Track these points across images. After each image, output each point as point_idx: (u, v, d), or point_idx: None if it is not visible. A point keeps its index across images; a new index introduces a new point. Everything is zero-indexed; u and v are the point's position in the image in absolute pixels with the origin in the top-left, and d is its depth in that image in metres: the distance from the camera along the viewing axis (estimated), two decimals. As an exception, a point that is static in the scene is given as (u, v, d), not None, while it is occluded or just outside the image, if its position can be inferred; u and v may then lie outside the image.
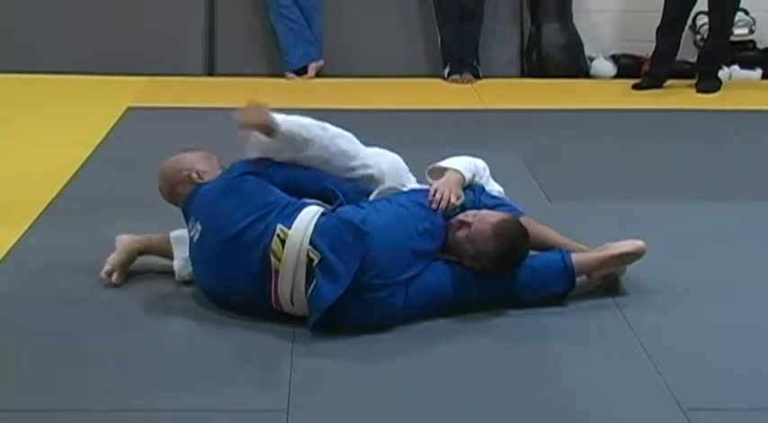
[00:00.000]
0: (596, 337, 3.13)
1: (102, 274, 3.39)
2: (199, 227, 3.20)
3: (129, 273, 3.44)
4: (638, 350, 3.02)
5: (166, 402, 2.71)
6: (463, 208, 3.30)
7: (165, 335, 3.10)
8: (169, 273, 3.43)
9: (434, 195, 3.26)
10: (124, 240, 3.47)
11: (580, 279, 3.33)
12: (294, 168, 3.32)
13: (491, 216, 3.21)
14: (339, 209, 3.18)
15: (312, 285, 3.00)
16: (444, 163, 3.45)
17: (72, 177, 4.50)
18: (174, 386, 2.79)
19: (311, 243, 3.02)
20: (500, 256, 3.16)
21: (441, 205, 3.24)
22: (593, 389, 2.82)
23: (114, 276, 3.39)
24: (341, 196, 3.21)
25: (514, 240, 3.18)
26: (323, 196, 3.27)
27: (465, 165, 3.43)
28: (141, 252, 3.47)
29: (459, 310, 3.19)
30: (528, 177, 4.63)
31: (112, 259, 3.40)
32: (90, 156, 4.86)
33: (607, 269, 3.36)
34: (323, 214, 3.11)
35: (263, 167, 3.27)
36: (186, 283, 3.37)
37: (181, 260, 3.37)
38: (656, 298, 3.38)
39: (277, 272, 3.03)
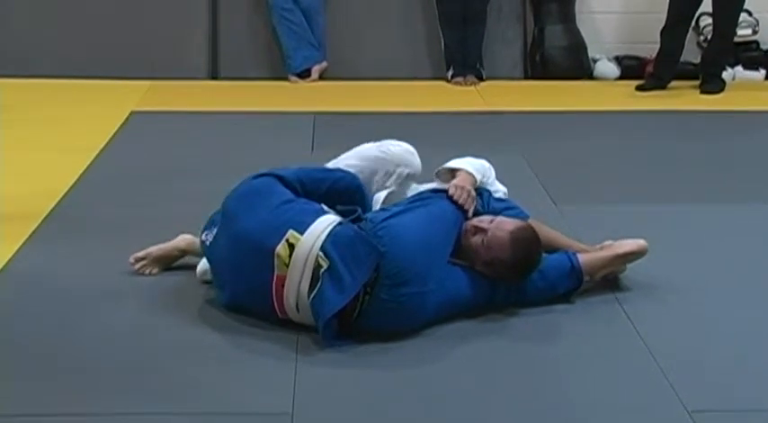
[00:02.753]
0: (601, 339, 3.13)
1: (132, 258, 3.46)
2: (214, 230, 3.20)
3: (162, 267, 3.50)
4: (643, 352, 3.02)
5: (168, 405, 2.70)
6: (476, 212, 3.31)
7: (168, 338, 3.09)
8: (180, 273, 3.46)
9: (458, 196, 3.25)
10: (182, 239, 3.52)
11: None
12: (309, 168, 3.36)
13: (507, 223, 3.20)
14: (368, 214, 3.16)
15: (316, 290, 2.97)
16: (453, 164, 3.46)
17: (74, 184, 4.49)
18: (176, 389, 2.78)
19: (322, 249, 2.98)
20: (515, 265, 3.17)
21: (467, 203, 3.24)
22: (599, 391, 2.82)
23: (138, 264, 3.45)
24: (358, 209, 3.18)
25: (530, 249, 3.19)
26: (338, 194, 3.26)
27: (475, 166, 3.44)
28: (186, 251, 3.50)
29: (465, 313, 3.18)
30: (532, 180, 4.63)
31: (151, 249, 3.48)
32: (93, 161, 4.86)
33: (610, 268, 3.39)
34: (340, 223, 3.07)
35: (279, 170, 3.27)
36: (198, 286, 3.38)
37: (206, 263, 3.37)
38: (662, 300, 3.37)
39: (281, 278, 3.00)
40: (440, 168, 3.48)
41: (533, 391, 2.82)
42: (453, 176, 3.40)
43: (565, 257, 3.32)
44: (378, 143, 3.60)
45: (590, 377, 2.90)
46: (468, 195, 3.27)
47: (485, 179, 3.46)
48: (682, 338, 3.12)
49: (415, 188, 3.53)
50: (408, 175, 3.52)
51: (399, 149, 3.56)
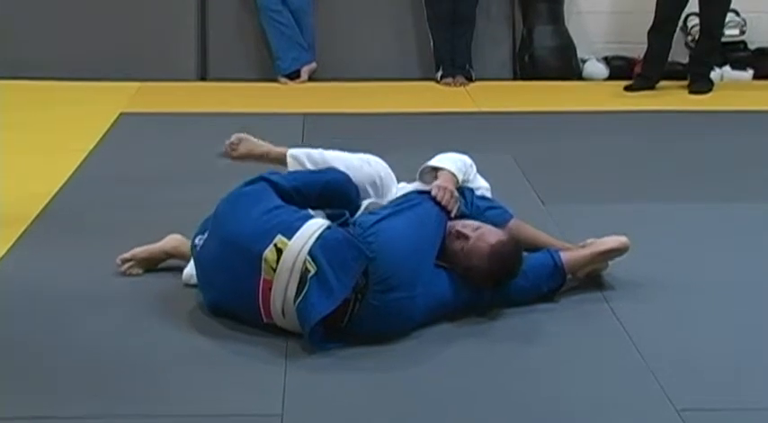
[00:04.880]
0: (589, 338, 3.14)
1: (118, 260, 3.47)
2: (206, 235, 3.20)
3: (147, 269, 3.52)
4: (631, 350, 3.03)
5: (159, 408, 2.70)
6: (461, 214, 3.31)
7: (158, 341, 3.09)
8: (169, 276, 3.46)
9: (441, 197, 3.25)
10: (171, 240, 3.54)
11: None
12: (303, 173, 3.41)
13: (490, 235, 3.20)
14: (356, 219, 3.15)
15: (302, 295, 2.96)
16: (435, 162, 3.46)
17: (63, 186, 4.48)
18: (165, 392, 2.79)
19: (310, 254, 2.98)
20: (491, 276, 3.18)
21: (450, 204, 3.25)
22: (587, 390, 2.83)
23: (125, 266, 3.48)
24: (346, 213, 3.18)
25: (508, 263, 3.19)
26: (330, 195, 3.27)
27: (457, 165, 3.45)
28: (171, 254, 3.51)
29: (451, 315, 3.19)
30: (521, 180, 4.64)
31: (136, 251, 3.50)
32: (82, 162, 4.85)
33: (593, 266, 3.41)
34: (328, 227, 3.06)
35: (274, 175, 3.28)
36: (187, 290, 3.37)
37: (191, 268, 3.37)
38: (649, 298, 3.39)
39: (267, 281, 3.00)
40: (423, 167, 3.48)
41: (521, 392, 2.82)
42: (436, 176, 3.40)
43: (548, 256, 3.34)
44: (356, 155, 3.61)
45: (578, 376, 2.91)
46: (452, 196, 3.28)
47: (467, 177, 3.46)
48: (670, 337, 3.13)
49: (403, 188, 3.53)
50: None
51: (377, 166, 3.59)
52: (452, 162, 3.45)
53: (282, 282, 2.98)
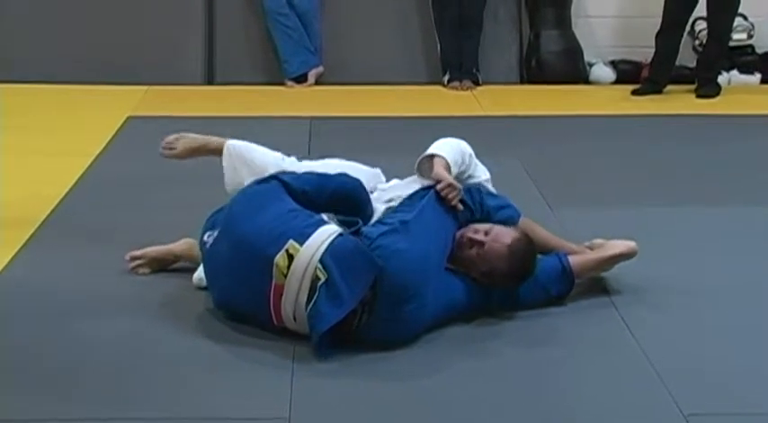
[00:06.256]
0: (597, 343, 3.14)
1: (128, 257, 3.49)
2: (216, 233, 3.19)
3: (156, 269, 3.54)
4: (638, 355, 3.03)
5: (166, 411, 2.71)
6: (471, 218, 3.28)
7: (165, 344, 3.09)
8: (177, 278, 3.46)
9: (447, 193, 3.22)
10: (183, 243, 3.54)
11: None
12: (313, 174, 3.35)
13: (504, 235, 3.19)
14: (365, 229, 3.11)
15: (312, 302, 2.95)
16: (431, 150, 3.38)
17: (71, 189, 4.49)
18: (173, 395, 2.79)
19: (321, 261, 2.97)
20: (512, 274, 3.19)
21: (452, 196, 3.22)
22: (595, 395, 2.83)
23: (134, 263, 3.49)
24: (359, 221, 3.15)
25: (526, 260, 3.21)
26: (340, 201, 3.25)
27: (453, 155, 3.36)
28: (181, 257, 3.51)
29: (459, 319, 3.19)
30: (528, 184, 4.64)
31: (148, 249, 3.51)
32: (90, 166, 4.87)
33: (599, 270, 3.43)
34: (340, 235, 3.05)
35: (285, 175, 3.27)
36: (195, 293, 3.38)
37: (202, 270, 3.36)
38: (657, 302, 3.39)
39: (279, 287, 2.99)
40: (421, 158, 3.39)
41: (529, 396, 2.82)
42: (432, 164, 3.32)
43: (556, 261, 3.34)
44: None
45: (586, 381, 2.91)
46: (453, 188, 3.23)
47: (464, 168, 3.40)
48: (677, 342, 3.13)
49: (395, 184, 3.50)
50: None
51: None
52: (450, 149, 3.37)
53: (293, 288, 2.98)
